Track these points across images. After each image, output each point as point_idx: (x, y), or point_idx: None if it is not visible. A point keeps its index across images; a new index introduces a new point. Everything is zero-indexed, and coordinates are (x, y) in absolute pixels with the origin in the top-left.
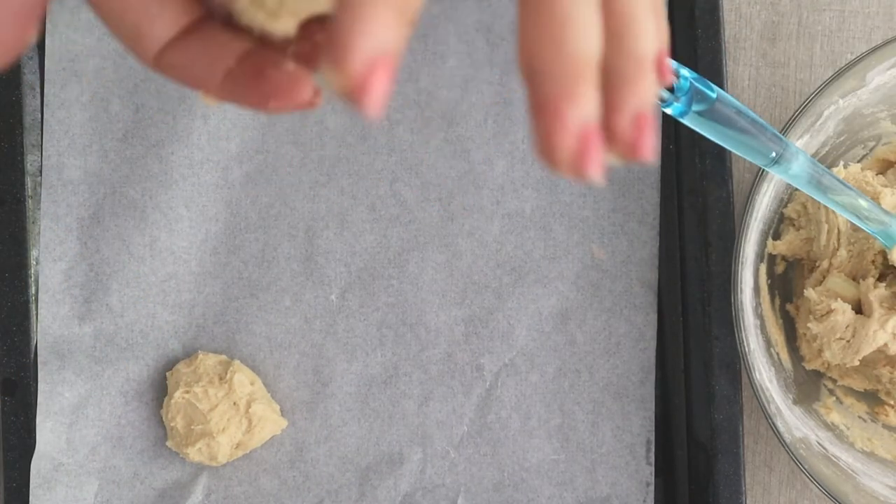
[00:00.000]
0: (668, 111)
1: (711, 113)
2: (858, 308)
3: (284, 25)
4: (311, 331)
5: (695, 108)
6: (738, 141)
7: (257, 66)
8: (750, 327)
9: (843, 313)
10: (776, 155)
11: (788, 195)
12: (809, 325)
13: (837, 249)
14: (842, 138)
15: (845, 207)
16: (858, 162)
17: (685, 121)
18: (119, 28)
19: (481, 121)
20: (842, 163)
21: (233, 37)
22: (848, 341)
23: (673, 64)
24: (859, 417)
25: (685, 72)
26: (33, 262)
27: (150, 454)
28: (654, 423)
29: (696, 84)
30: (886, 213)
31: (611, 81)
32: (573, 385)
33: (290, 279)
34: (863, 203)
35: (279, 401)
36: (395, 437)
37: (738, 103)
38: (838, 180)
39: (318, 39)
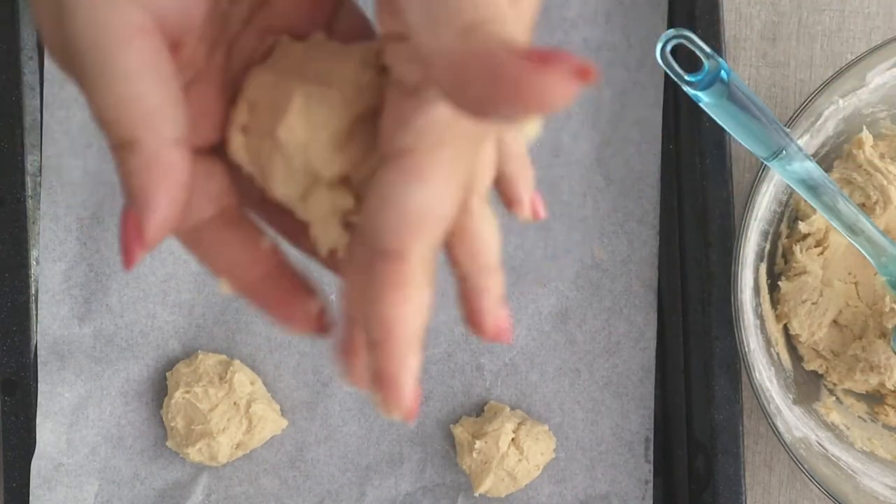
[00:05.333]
0: (688, 89)
1: (729, 94)
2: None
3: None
4: None
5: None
6: (748, 128)
7: (282, 286)
8: (750, 327)
9: (815, 277)
10: (779, 149)
11: (788, 195)
12: (780, 283)
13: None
14: (841, 138)
15: (839, 217)
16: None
17: (703, 96)
18: None
19: None
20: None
21: (260, 232)
22: (814, 303)
23: (697, 40)
24: (859, 417)
25: (708, 49)
26: (33, 262)
27: (150, 454)
28: (653, 422)
29: (719, 60)
30: (881, 233)
31: (469, 290)
32: (573, 384)
33: None
34: (854, 211)
35: (279, 401)
36: (395, 437)
37: (750, 92)
38: (835, 187)
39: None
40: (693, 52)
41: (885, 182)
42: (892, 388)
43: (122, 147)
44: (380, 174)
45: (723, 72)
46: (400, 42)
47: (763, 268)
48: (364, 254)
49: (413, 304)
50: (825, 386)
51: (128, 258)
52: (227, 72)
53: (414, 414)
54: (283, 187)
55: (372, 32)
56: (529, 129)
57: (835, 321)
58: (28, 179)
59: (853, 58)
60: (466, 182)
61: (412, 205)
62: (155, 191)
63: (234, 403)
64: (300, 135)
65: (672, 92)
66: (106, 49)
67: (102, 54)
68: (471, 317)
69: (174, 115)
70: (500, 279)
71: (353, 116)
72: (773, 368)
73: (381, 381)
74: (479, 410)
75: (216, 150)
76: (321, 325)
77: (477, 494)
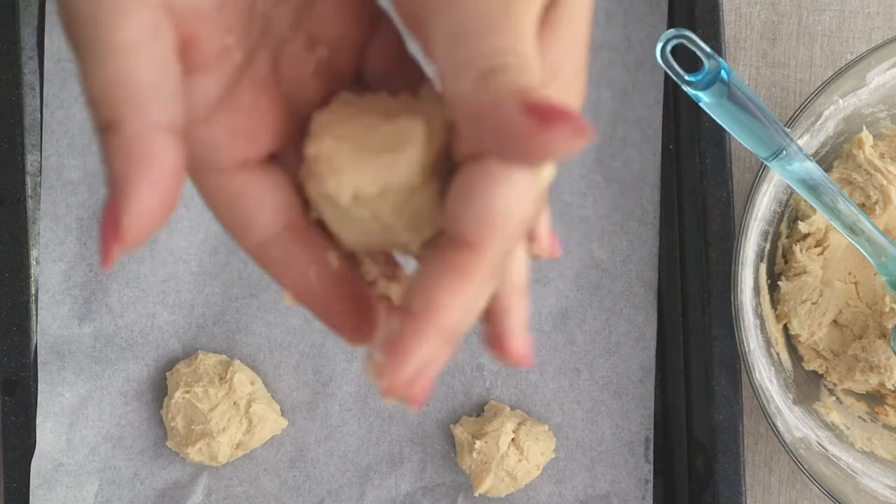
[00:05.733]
0: (688, 89)
1: (729, 94)
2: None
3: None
4: (311, 331)
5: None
6: (748, 128)
7: (346, 299)
8: (750, 327)
9: (815, 277)
10: (779, 149)
11: (788, 195)
12: (780, 283)
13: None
14: (841, 138)
15: (839, 217)
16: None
17: (703, 96)
18: (226, 213)
19: None
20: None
21: (327, 243)
22: (814, 303)
23: (697, 40)
24: (859, 417)
25: (709, 49)
26: (33, 263)
27: (150, 454)
28: (653, 422)
29: (719, 60)
30: (881, 233)
31: (495, 310)
32: (573, 384)
33: None
34: (854, 211)
35: (279, 401)
36: (395, 436)
37: (750, 91)
38: (835, 187)
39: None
40: (693, 52)
41: (884, 182)
42: (892, 388)
43: (106, 129)
44: (469, 170)
45: (723, 71)
46: None
47: (763, 268)
48: (440, 245)
49: (467, 298)
50: (825, 386)
51: (105, 255)
52: (279, 82)
53: (419, 401)
54: (353, 244)
55: (404, 49)
56: (544, 172)
57: (835, 321)
58: (28, 179)
59: (853, 58)
60: (543, 193)
61: (499, 202)
62: (135, 177)
63: (234, 403)
64: (373, 202)
65: (672, 92)
66: (102, 22)
67: (98, 27)
68: (494, 338)
69: (166, 97)
70: (526, 302)
71: (425, 170)
72: (773, 368)
73: (397, 351)
74: (479, 410)
75: (278, 162)
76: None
77: (477, 494)
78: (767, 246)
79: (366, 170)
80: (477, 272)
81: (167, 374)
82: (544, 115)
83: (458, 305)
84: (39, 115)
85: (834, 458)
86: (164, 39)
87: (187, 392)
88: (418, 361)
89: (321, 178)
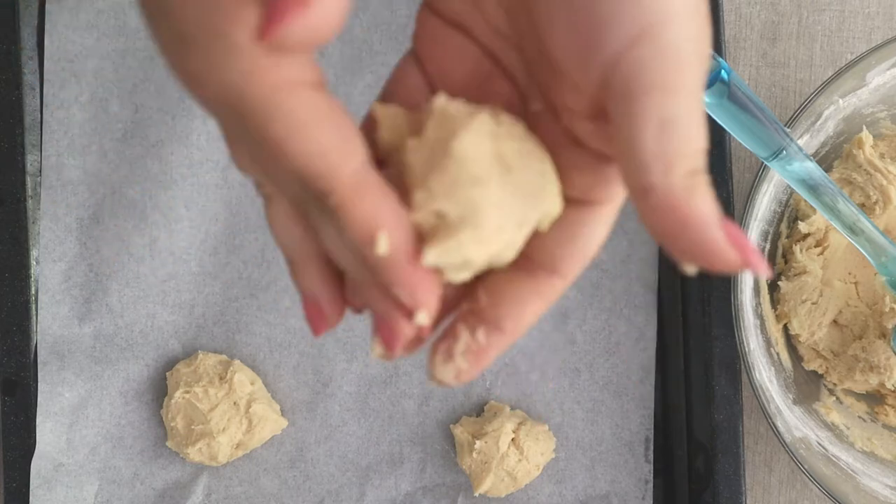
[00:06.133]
0: None
1: (729, 94)
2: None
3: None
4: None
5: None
6: (748, 128)
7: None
8: (750, 327)
9: (815, 277)
10: (779, 149)
11: (788, 195)
12: (780, 283)
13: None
14: (841, 138)
15: (839, 217)
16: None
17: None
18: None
19: None
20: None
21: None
22: (814, 303)
23: None
24: (859, 417)
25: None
26: (33, 263)
27: (150, 454)
28: (653, 422)
29: (719, 60)
30: (880, 233)
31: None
32: (573, 384)
33: (289, 279)
34: (854, 211)
35: (279, 401)
36: (395, 436)
37: (750, 91)
38: (835, 187)
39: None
40: None
41: (884, 182)
42: (892, 388)
43: (331, 192)
44: (578, 214)
45: (723, 72)
46: (590, 124)
47: None
48: (525, 268)
49: (543, 312)
50: (825, 386)
51: (288, 20)
52: None
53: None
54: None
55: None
56: (690, 268)
57: (835, 321)
58: (28, 179)
59: (853, 58)
60: None
61: (597, 244)
62: (386, 210)
63: (234, 403)
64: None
65: None
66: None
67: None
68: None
69: (359, 139)
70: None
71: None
72: (773, 368)
73: (480, 361)
74: (479, 410)
75: None
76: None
77: (477, 494)
78: (767, 246)
79: (484, 247)
80: (556, 296)
81: (167, 374)
82: (739, 241)
83: (536, 320)
84: (39, 115)
85: (834, 458)
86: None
87: (187, 392)
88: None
89: (444, 230)
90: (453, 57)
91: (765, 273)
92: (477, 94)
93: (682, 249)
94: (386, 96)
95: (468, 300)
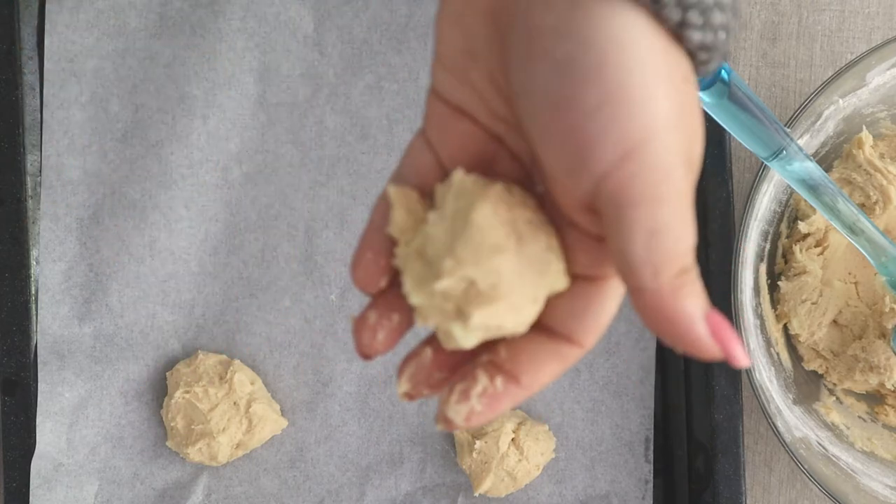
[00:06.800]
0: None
1: (729, 93)
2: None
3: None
4: (311, 331)
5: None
6: (748, 128)
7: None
8: (750, 327)
9: (815, 277)
10: (779, 149)
11: (788, 195)
12: (780, 283)
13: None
14: (841, 138)
15: (839, 217)
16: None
17: (703, 96)
18: None
19: None
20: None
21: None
22: (814, 303)
23: None
24: (859, 417)
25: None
26: (33, 262)
27: (150, 454)
28: (653, 422)
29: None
30: (880, 233)
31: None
32: (573, 384)
33: (289, 279)
34: (854, 211)
35: (279, 401)
36: (395, 436)
37: (750, 91)
38: (835, 187)
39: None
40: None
41: (884, 182)
42: (892, 388)
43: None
44: (588, 289)
45: (723, 71)
46: (582, 215)
47: (763, 268)
48: (543, 336)
49: (561, 373)
50: (825, 386)
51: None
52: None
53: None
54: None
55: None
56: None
57: (835, 321)
58: (28, 179)
59: (853, 58)
60: None
61: (610, 315)
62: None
63: (234, 403)
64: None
65: None
66: None
67: None
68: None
69: None
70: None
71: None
72: (773, 368)
73: (493, 408)
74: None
75: None
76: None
77: (477, 494)
78: (767, 246)
79: (495, 323)
80: (577, 360)
81: (167, 374)
82: (725, 342)
83: (552, 381)
84: (39, 115)
85: (834, 458)
86: None
87: (187, 392)
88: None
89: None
90: (460, 140)
91: (744, 364)
92: (485, 175)
93: (670, 341)
94: (399, 176)
95: (488, 353)
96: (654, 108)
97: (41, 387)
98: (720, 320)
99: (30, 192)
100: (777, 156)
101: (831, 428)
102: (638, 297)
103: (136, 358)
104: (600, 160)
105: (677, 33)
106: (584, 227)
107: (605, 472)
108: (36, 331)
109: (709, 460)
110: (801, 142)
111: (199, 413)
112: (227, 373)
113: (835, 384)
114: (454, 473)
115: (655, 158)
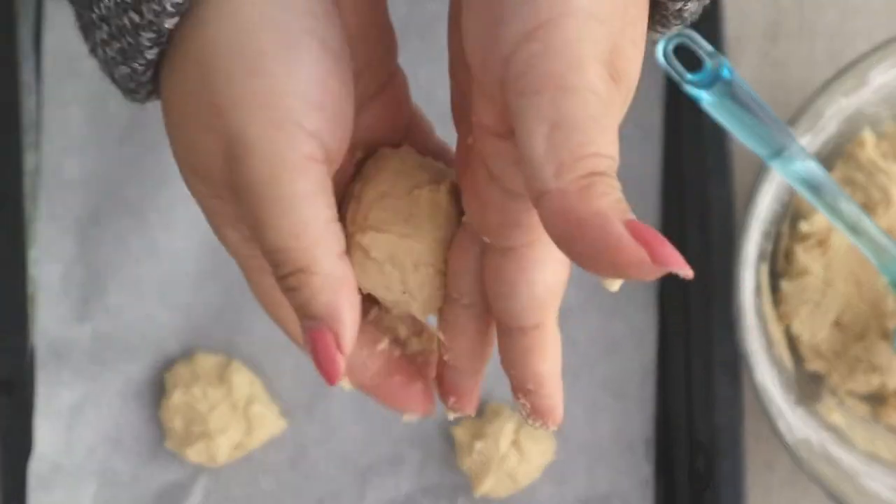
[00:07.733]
0: (689, 88)
1: (730, 92)
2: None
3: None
4: None
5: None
6: (749, 127)
7: (394, 379)
8: (751, 328)
9: (817, 277)
10: (781, 148)
11: (790, 195)
12: (781, 283)
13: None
14: (843, 138)
15: (841, 217)
16: None
17: (704, 95)
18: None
19: None
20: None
21: (379, 333)
22: (816, 303)
23: (698, 39)
24: (861, 418)
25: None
26: (31, 263)
27: (148, 455)
28: (653, 422)
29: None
30: (883, 233)
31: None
32: (573, 384)
33: None
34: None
35: (279, 401)
36: (395, 437)
37: (752, 91)
38: (837, 187)
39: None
40: (691, 53)
41: (887, 182)
42: (895, 390)
43: (299, 271)
44: (500, 265)
45: (725, 70)
46: (501, 143)
47: (764, 268)
48: (504, 328)
49: (555, 356)
50: (827, 387)
51: (333, 375)
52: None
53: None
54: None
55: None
56: (615, 284)
57: (837, 322)
58: (26, 179)
59: (856, 57)
60: None
61: (540, 287)
62: (342, 303)
63: (233, 404)
64: (405, 268)
65: (672, 92)
66: (282, 179)
67: (279, 184)
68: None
69: (338, 229)
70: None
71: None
72: (774, 369)
73: (547, 415)
74: (479, 411)
75: None
76: (428, 405)
77: (477, 495)
78: (769, 246)
79: (405, 239)
80: (550, 340)
81: (165, 374)
82: (649, 242)
83: (554, 364)
84: (38, 115)
85: (836, 460)
86: (329, 183)
87: (186, 393)
88: (559, 407)
89: (363, 228)
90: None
91: (684, 271)
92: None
93: (581, 254)
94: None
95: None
96: None
97: (39, 388)
98: (643, 225)
99: (28, 191)
100: (778, 155)
101: (833, 429)
102: (541, 205)
103: (135, 358)
104: (507, 39)
105: None
106: (494, 166)
107: (606, 473)
108: (34, 331)
109: (710, 461)
110: (802, 141)
111: (197, 414)
112: (225, 373)
113: (837, 385)
114: (454, 474)
115: (563, 42)
